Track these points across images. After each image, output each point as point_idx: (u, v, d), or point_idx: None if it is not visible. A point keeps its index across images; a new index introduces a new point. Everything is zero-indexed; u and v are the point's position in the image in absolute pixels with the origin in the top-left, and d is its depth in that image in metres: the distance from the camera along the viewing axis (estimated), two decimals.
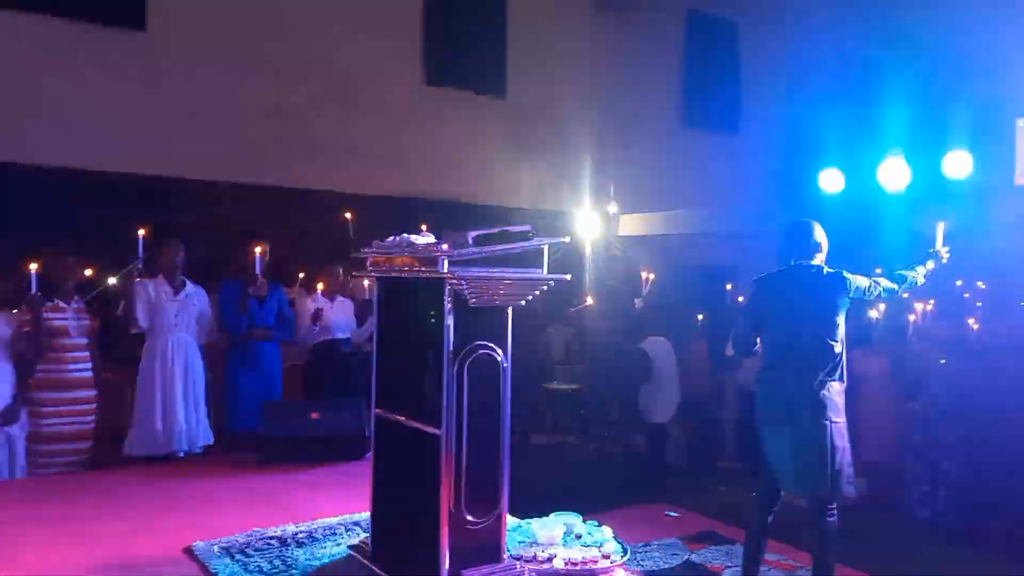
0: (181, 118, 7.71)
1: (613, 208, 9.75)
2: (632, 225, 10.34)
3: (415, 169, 9.03)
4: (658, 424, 7.02)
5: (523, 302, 3.42)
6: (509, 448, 3.34)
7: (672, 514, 4.86)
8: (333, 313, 6.21)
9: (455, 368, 3.20)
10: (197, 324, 5.69)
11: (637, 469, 6.73)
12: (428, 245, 3.38)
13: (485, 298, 3.24)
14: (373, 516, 3.69)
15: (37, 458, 5.08)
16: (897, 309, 7.03)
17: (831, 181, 7.86)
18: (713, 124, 11.70)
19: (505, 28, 9.81)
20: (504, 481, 3.34)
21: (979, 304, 7.28)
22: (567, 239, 3.87)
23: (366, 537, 3.78)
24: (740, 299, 7.83)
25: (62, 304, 5.25)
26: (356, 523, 4.19)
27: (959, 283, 7.87)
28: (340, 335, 6.25)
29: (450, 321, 3.20)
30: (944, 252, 4.08)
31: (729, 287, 8.91)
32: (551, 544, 3.64)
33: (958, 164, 6.72)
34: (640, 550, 4.04)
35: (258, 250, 5.67)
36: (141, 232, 5.48)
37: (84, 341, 5.33)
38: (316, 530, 4.10)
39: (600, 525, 3.85)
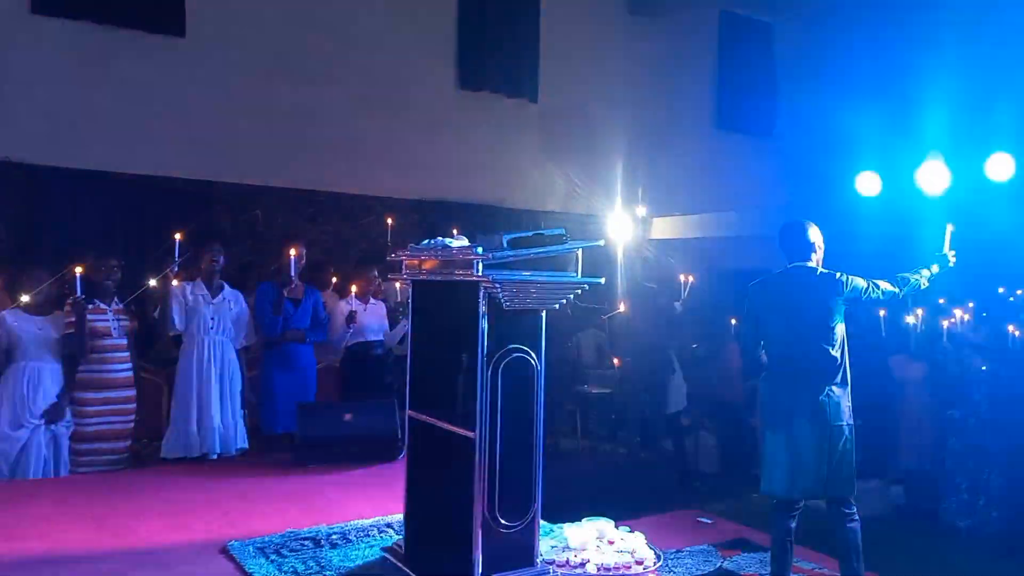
0: (218, 123, 7.84)
1: (642, 211, 9.68)
2: (664, 228, 10.27)
3: (447, 172, 9.08)
4: (674, 414, 6.95)
5: (557, 306, 3.42)
6: (543, 452, 3.34)
7: (704, 520, 4.82)
8: (366, 316, 6.26)
9: (489, 371, 3.20)
10: (234, 327, 5.75)
11: (669, 475, 6.67)
12: (462, 248, 3.39)
13: (519, 301, 3.24)
14: (406, 518, 3.71)
15: (79, 456, 5.19)
16: (933, 315, 6.89)
17: (868, 184, 7.72)
18: (747, 126, 11.59)
19: (538, 32, 9.81)
20: (538, 485, 3.34)
21: None
22: (601, 242, 3.86)
23: (399, 539, 3.81)
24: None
25: (103, 306, 5.36)
26: (389, 525, 4.22)
27: (1001, 290, 7.71)
28: (373, 337, 6.29)
29: (485, 324, 3.21)
30: (951, 256, 3.99)
31: None
32: (583, 549, 3.63)
33: (1001, 167, 6.55)
34: (672, 556, 4.01)
35: (293, 252, 5.72)
36: (178, 236, 5.55)
37: (125, 342, 5.44)
38: (350, 531, 4.13)
39: (632, 531, 3.83)
